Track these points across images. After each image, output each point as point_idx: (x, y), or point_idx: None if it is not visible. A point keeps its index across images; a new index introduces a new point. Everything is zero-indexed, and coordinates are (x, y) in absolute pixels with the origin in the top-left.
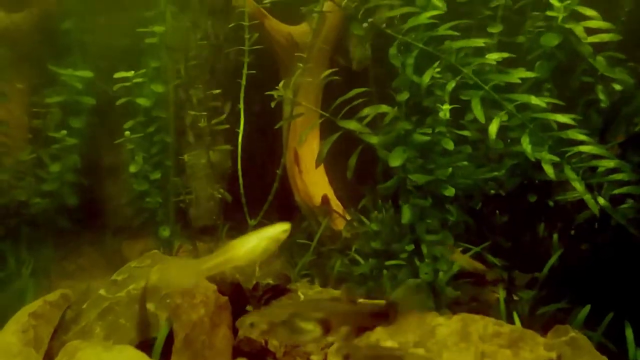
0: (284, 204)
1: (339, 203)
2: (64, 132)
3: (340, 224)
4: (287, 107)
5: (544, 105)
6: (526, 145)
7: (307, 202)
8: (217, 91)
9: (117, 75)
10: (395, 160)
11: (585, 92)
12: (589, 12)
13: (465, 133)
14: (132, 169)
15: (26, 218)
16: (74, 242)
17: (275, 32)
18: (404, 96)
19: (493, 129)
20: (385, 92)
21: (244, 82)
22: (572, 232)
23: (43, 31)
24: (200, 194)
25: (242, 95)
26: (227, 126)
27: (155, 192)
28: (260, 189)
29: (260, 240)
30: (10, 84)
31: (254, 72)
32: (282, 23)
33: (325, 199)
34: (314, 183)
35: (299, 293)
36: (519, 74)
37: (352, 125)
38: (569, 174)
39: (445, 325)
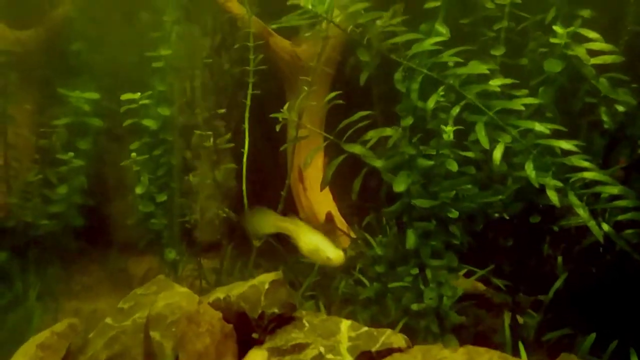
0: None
1: (343, 220)
2: (71, 154)
3: (344, 242)
4: (291, 130)
5: (547, 132)
6: (530, 171)
7: (312, 220)
8: (222, 110)
9: (123, 97)
10: (400, 186)
11: (588, 113)
12: (592, 34)
13: (469, 154)
14: (138, 190)
15: (33, 239)
16: (79, 261)
17: (280, 49)
18: (408, 121)
19: (497, 154)
20: (390, 112)
21: (248, 102)
22: (577, 256)
23: (50, 50)
24: (205, 213)
25: (246, 115)
26: (232, 145)
27: (161, 214)
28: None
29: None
30: (18, 104)
31: (258, 92)
32: (286, 40)
33: (329, 217)
34: (319, 201)
35: (304, 321)
36: (522, 101)
37: (356, 149)
38: (573, 200)
39: (451, 359)
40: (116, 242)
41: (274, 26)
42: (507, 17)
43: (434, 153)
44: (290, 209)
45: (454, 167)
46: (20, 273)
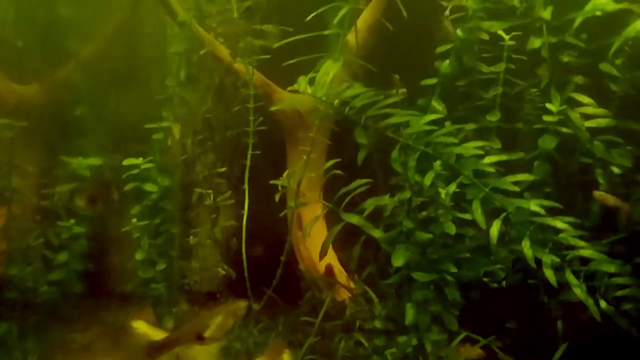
0: (289, 273)
1: (343, 270)
2: (72, 220)
3: (344, 293)
4: (290, 199)
5: (542, 212)
6: (527, 249)
7: (311, 270)
8: (223, 169)
9: (126, 162)
10: (398, 260)
11: (584, 174)
12: (585, 99)
13: (466, 216)
14: (138, 256)
15: (33, 305)
16: (77, 320)
17: (280, 103)
18: (406, 194)
19: (494, 232)
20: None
21: (248, 162)
22: (577, 327)
23: (53, 106)
24: (205, 272)
25: (246, 175)
26: (232, 201)
27: (160, 278)
28: (264, 262)
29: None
30: (20, 165)
31: (258, 151)
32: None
33: (329, 270)
34: (318, 249)
35: None
36: (517, 178)
37: (353, 219)
38: (570, 279)
39: None
40: (114, 301)
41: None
42: (502, 83)
43: (432, 215)
44: (291, 259)
45: (451, 230)
46: (19, 340)
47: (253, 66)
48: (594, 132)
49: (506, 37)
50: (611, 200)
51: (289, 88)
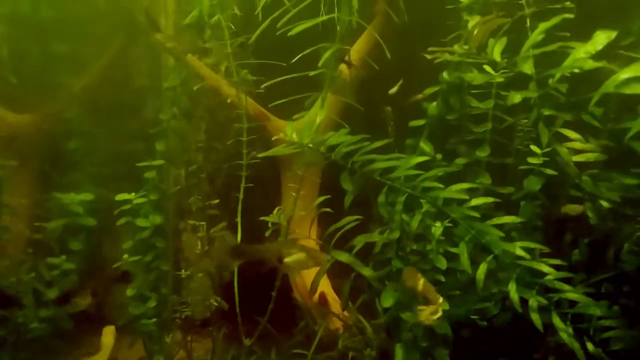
0: (283, 302)
1: (337, 297)
2: (63, 257)
3: (338, 322)
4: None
5: (527, 256)
6: (513, 293)
7: (305, 299)
8: (216, 201)
9: (118, 197)
10: (387, 301)
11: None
12: (573, 134)
13: (456, 250)
14: (129, 292)
15: (22, 341)
16: (68, 352)
17: (277, 131)
18: (395, 234)
19: (480, 276)
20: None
21: (241, 195)
22: None
23: (45, 137)
24: (197, 306)
25: (239, 208)
26: (227, 232)
27: (152, 313)
28: (258, 290)
29: None
30: (14, 197)
31: (251, 184)
32: (282, 121)
33: (323, 299)
34: (312, 277)
35: None
36: (503, 220)
37: (343, 257)
38: (557, 322)
39: None
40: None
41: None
42: (491, 119)
43: (421, 250)
44: (284, 287)
45: (442, 264)
46: None
47: (251, 97)
48: (582, 166)
49: (494, 74)
50: (578, 209)
51: (295, 116)
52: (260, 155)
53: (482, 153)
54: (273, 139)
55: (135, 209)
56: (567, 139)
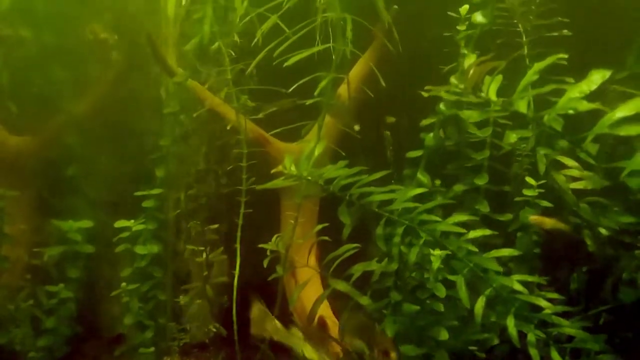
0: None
1: (337, 321)
2: (62, 285)
3: (336, 346)
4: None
5: (525, 291)
6: (512, 328)
7: (303, 321)
8: (215, 226)
9: (117, 224)
10: (386, 332)
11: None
12: (570, 162)
13: (455, 278)
14: (127, 320)
15: None
16: None
17: (277, 154)
18: (393, 266)
19: (479, 310)
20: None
21: (240, 221)
22: None
23: (44, 161)
24: (195, 333)
25: (238, 234)
26: (225, 257)
27: (150, 343)
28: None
29: None
30: (14, 224)
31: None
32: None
33: (322, 323)
34: (311, 298)
35: None
36: (501, 253)
37: (340, 286)
38: (555, 357)
39: None
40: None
41: None
42: (489, 146)
43: (419, 279)
44: (283, 309)
45: (441, 292)
46: None
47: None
48: (580, 194)
49: (494, 98)
50: (548, 223)
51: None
52: (258, 187)
53: (481, 181)
54: (272, 172)
55: (135, 236)
56: (565, 167)
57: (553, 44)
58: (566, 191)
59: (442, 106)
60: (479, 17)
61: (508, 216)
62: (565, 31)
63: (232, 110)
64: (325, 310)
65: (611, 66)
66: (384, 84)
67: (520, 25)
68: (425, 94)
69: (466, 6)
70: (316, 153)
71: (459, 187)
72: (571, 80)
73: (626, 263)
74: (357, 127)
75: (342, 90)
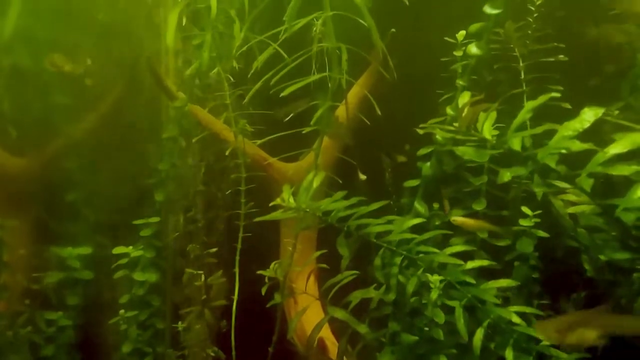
0: (282, 349)
1: (335, 341)
2: (60, 313)
3: None
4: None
5: (523, 323)
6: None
7: (302, 343)
8: (214, 249)
9: (115, 251)
10: None
11: (570, 260)
12: (567, 186)
13: (454, 304)
14: (125, 349)
15: None
16: None
17: (278, 175)
18: (391, 296)
19: (477, 342)
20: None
21: (239, 245)
22: None
23: (45, 181)
24: (193, 355)
25: (237, 258)
26: (224, 279)
27: None
28: (256, 334)
29: None
30: (13, 250)
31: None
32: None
33: (322, 345)
34: (311, 321)
35: None
36: (499, 283)
37: (339, 314)
38: None
39: None
40: None
41: None
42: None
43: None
44: (282, 331)
45: (440, 318)
46: None
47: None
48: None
49: (488, 137)
50: (471, 223)
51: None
52: (256, 219)
53: (479, 206)
54: (270, 205)
55: (133, 262)
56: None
57: (550, 69)
58: (563, 216)
59: (438, 137)
60: (473, 49)
61: (507, 241)
62: (561, 56)
63: (232, 133)
64: (324, 332)
65: (606, 94)
66: (379, 112)
67: (516, 50)
68: (420, 131)
69: (463, 31)
70: (314, 185)
71: (457, 212)
72: (567, 105)
73: (625, 289)
74: (363, 177)
75: (340, 111)
